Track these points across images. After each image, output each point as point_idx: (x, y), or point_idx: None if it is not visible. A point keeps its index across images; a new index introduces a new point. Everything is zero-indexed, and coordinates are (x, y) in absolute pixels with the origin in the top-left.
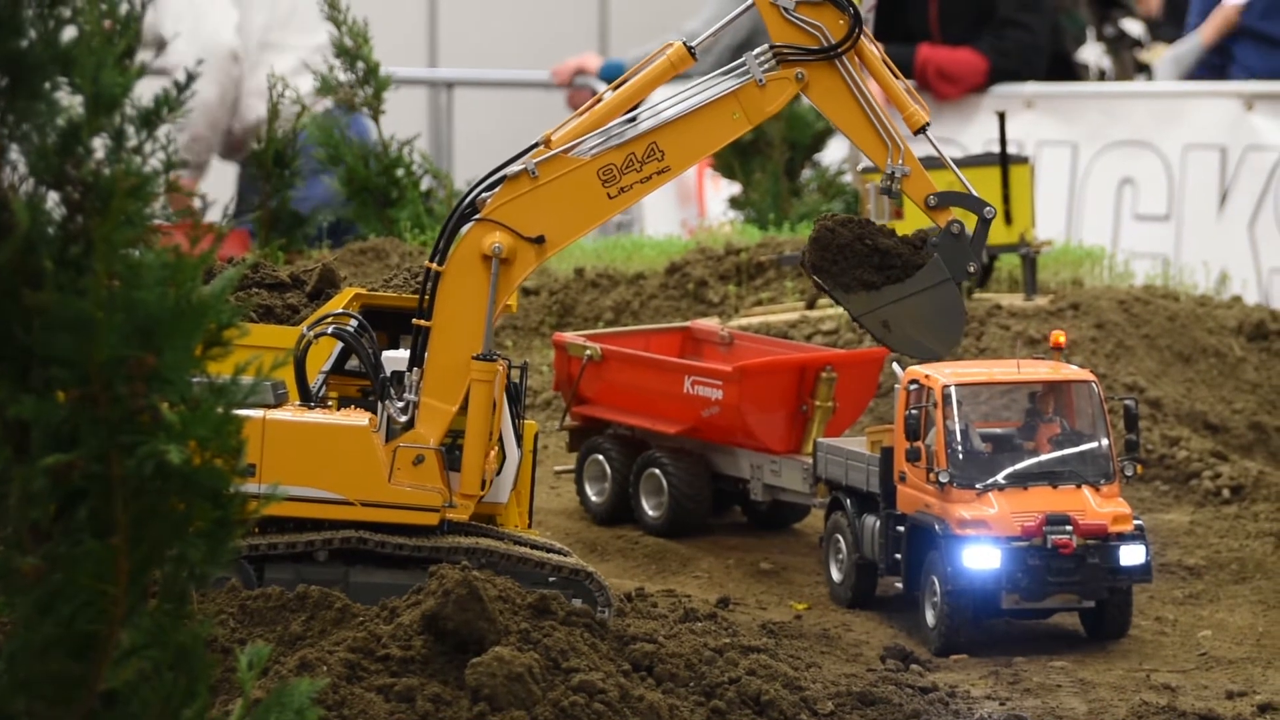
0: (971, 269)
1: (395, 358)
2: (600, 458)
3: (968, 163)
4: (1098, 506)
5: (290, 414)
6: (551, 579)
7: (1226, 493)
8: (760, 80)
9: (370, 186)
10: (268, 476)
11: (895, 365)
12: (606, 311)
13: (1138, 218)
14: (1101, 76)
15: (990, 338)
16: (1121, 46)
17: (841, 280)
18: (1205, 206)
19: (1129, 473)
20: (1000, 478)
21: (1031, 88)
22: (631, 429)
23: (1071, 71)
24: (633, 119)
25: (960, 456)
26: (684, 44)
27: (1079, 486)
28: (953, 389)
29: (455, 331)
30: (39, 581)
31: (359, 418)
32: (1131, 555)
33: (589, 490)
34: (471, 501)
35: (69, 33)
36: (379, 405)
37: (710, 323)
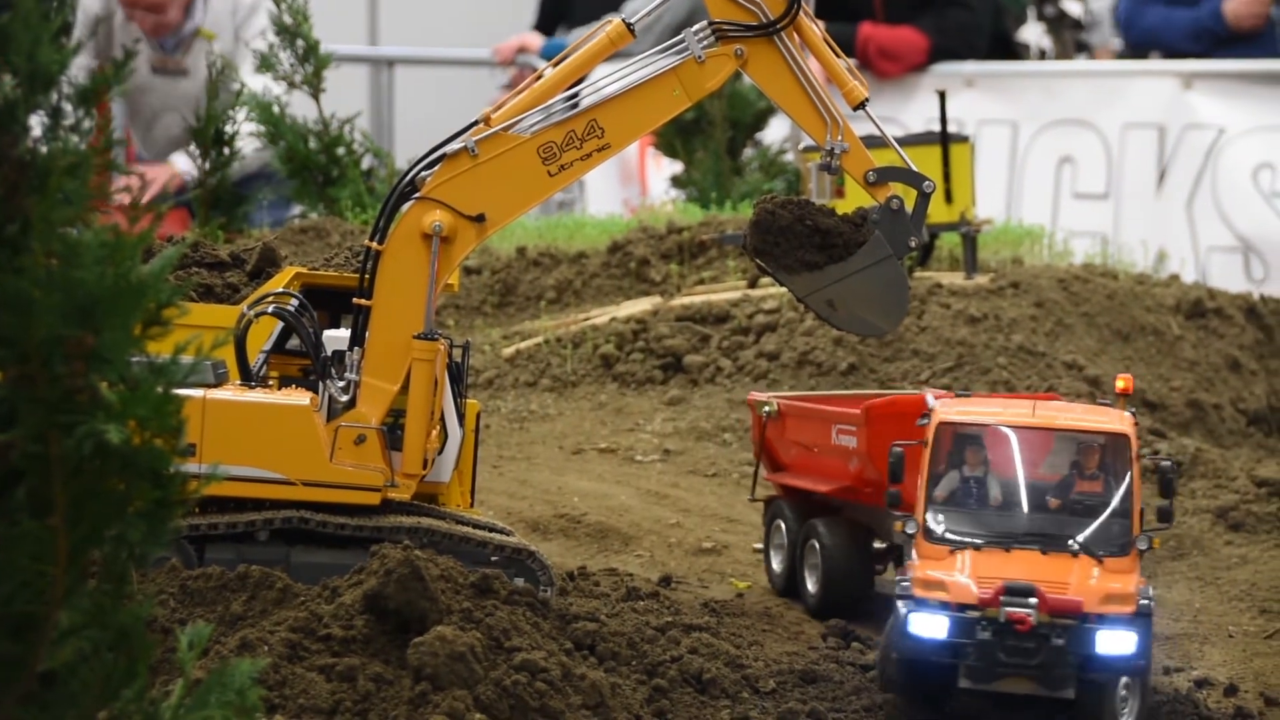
0: (912, 244)
1: (336, 337)
2: (781, 524)
3: (908, 141)
4: (1088, 580)
5: (231, 393)
6: (494, 558)
7: None
8: (700, 57)
9: (311, 165)
10: (208, 456)
11: (929, 396)
12: (549, 290)
13: (1077, 196)
14: (1042, 56)
15: (931, 316)
16: (1062, 26)
17: (784, 262)
18: (1144, 185)
19: (1143, 545)
20: (975, 536)
21: (972, 66)
22: (802, 493)
23: (1012, 51)
24: (574, 97)
25: (939, 505)
26: (623, 21)
27: (1076, 555)
28: (944, 425)
29: (396, 310)
30: None
31: (300, 397)
32: (1114, 643)
33: (773, 560)
34: (413, 481)
35: (3, 10)
36: (320, 384)
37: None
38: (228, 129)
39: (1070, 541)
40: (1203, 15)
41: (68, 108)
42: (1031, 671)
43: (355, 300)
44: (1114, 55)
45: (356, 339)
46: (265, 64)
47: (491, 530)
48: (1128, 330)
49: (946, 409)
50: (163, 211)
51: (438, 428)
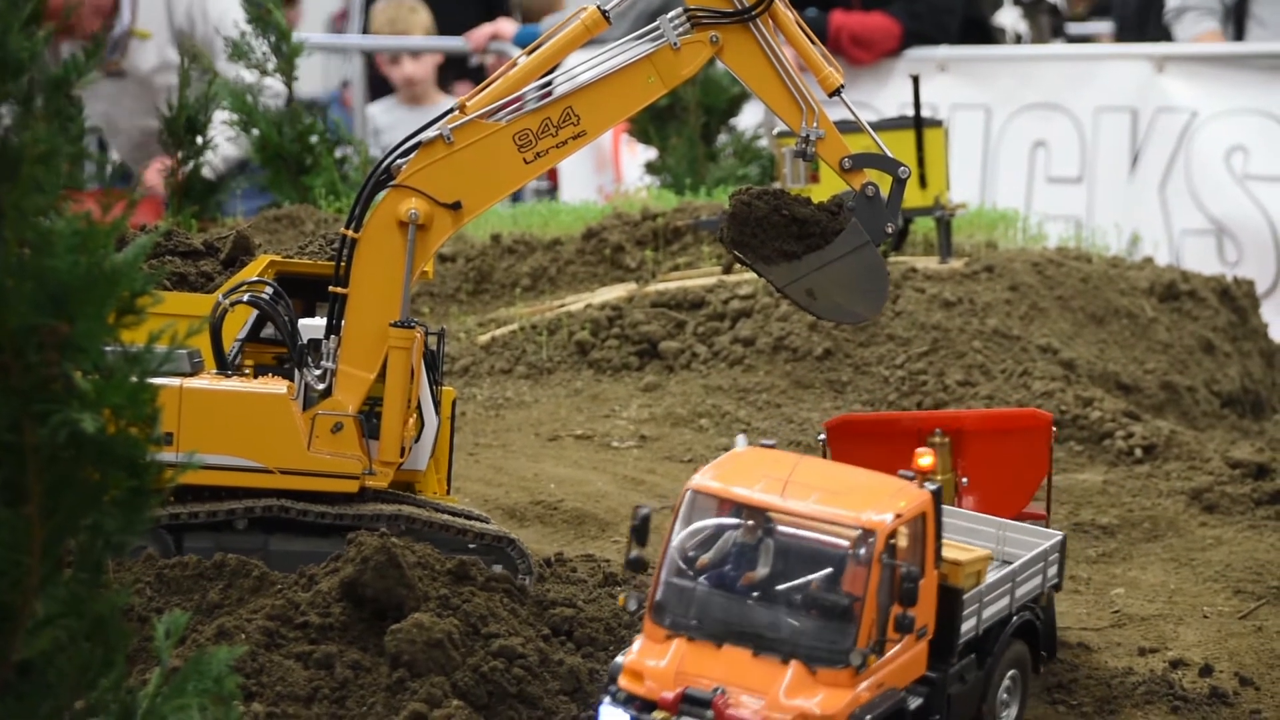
0: (889, 230)
1: (312, 325)
2: None
3: (882, 126)
4: (791, 694)
5: (207, 382)
6: (471, 545)
7: (1139, 452)
8: (674, 44)
9: (284, 153)
10: (185, 445)
11: (740, 436)
12: (524, 278)
13: (1050, 180)
14: (1019, 40)
15: (906, 300)
16: (1038, 10)
17: (762, 253)
18: (1117, 169)
19: (856, 662)
20: (693, 623)
21: (944, 51)
22: None
23: (989, 36)
24: (548, 84)
25: (672, 581)
26: (598, 8)
27: (786, 661)
28: (692, 493)
29: (372, 298)
30: None
31: (276, 385)
32: None
33: None
34: (390, 468)
35: None
36: (296, 373)
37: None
38: (200, 118)
39: (780, 647)
40: None
41: (39, 96)
42: None
43: (331, 288)
44: None
45: (332, 327)
46: (237, 52)
47: (468, 517)
48: (1102, 313)
49: (705, 474)
50: (135, 200)
51: (414, 415)
